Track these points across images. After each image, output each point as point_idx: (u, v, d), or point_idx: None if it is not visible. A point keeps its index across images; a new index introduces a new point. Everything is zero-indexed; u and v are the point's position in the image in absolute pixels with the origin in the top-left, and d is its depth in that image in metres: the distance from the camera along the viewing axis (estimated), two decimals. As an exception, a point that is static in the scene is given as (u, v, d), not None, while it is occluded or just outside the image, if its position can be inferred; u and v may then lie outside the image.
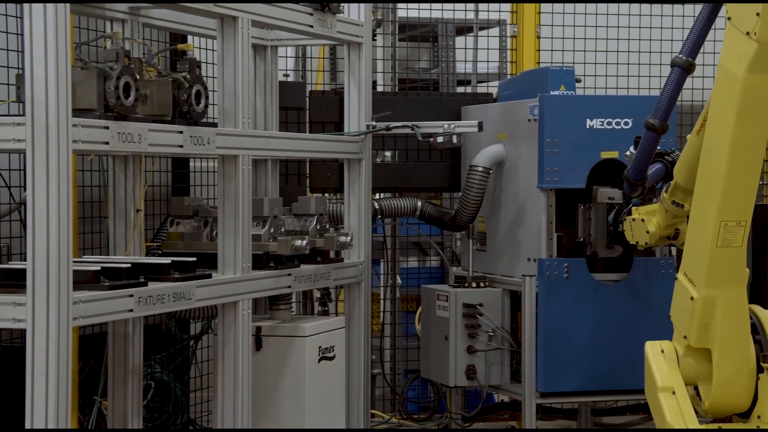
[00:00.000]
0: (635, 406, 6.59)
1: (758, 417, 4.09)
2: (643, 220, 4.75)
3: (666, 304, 5.58)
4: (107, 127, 3.85)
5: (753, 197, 4.05)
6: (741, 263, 4.11)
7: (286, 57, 6.80)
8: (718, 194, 3.96)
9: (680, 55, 4.27)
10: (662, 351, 4.25)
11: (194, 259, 4.42)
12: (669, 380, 4.15)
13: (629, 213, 4.93)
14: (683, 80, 4.31)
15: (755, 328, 4.18)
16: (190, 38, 5.54)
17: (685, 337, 4.18)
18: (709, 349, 4.14)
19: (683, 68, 4.24)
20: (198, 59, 4.42)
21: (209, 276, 4.44)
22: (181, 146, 4.24)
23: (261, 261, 4.80)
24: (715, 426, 4.16)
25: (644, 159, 4.64)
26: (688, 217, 4.36)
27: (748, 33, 3.75)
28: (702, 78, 6.56)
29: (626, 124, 5.59)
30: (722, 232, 4.00)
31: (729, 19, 3.88)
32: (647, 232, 4.70)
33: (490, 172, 5.85)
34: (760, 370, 4.10)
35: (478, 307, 5.77)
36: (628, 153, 4.90)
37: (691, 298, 4.11)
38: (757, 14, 3.69)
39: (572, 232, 5.73)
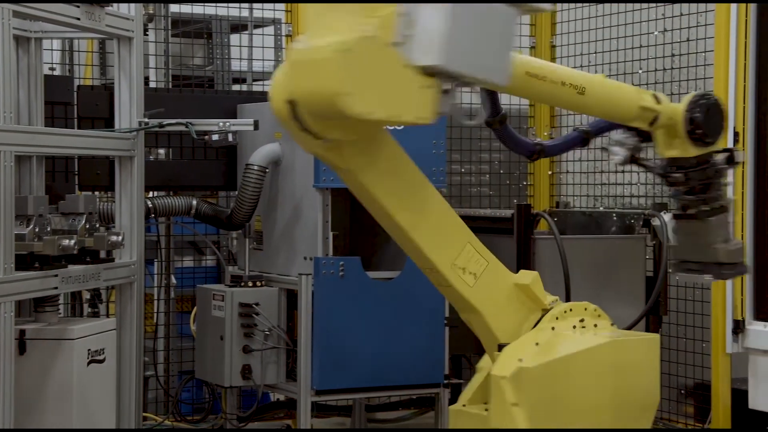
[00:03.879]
0: (407, 401, 6.75)
1: None
2: None
3: (435, 301, 5.76)
4: None
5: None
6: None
7: (52, 50, 6.54)
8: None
9: (586, 127, 4.33)
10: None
11: (-50, 260, 4.21)
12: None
13: None
14: (576, 144, 4.35)
15: None
16: (-54, 27, 5.25)
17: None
18: None
19: (581, 137, 4.35)
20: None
21: (-33, 278, 4.23)
22: (-64, 141, 4.02)
23: (25, 261, 4.61)
24: None
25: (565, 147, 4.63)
26: None
27: None
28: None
29: (398, 125, 5.70)
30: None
31: None
32: None
33: (267, 170, 5.84)
34: None
35: (254, 306, 5.75)
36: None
37: None
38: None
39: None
